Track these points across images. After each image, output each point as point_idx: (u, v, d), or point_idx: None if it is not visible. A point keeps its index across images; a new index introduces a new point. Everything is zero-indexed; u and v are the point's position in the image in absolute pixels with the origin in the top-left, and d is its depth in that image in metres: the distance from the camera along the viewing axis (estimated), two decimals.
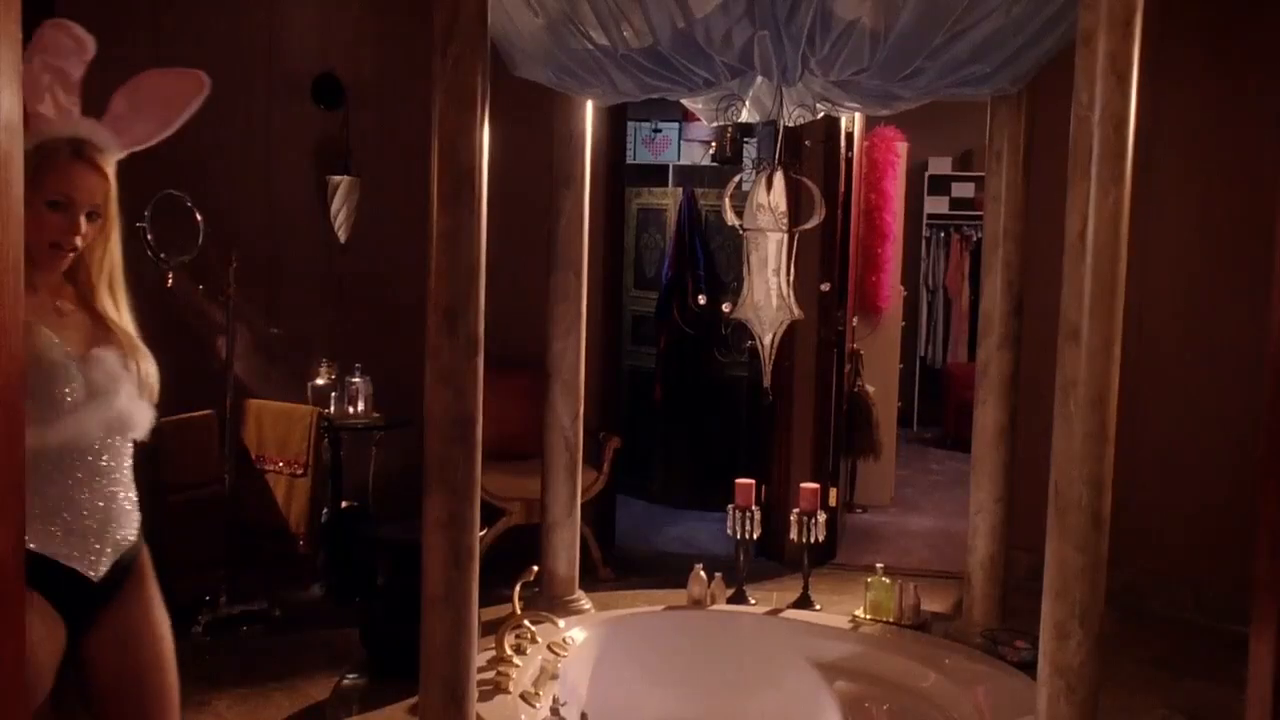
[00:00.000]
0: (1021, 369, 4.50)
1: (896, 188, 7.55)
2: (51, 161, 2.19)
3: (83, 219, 2.23)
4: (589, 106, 4.49)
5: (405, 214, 5.68)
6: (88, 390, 2.20)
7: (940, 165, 9.99)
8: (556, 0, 3.49)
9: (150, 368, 2.32)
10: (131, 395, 2.27)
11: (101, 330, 2.28)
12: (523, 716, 3.60)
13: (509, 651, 3.95)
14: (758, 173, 4.17)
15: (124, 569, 2.33)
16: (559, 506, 4.63)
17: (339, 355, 5.49)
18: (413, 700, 3.72)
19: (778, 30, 3.26)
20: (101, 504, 2.26)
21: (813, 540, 4.74)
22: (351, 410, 5.39)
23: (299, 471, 4.98)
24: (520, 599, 4.21)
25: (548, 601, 4.58)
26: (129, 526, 2.33)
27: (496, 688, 3.76)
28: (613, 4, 3.48)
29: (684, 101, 4.19)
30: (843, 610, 4.78)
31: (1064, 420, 3.09)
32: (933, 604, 4.99)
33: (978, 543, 4.49)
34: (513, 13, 3.53)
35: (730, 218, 4.08)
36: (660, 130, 9.85)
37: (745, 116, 4.08)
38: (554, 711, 3.40)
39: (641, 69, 3.55)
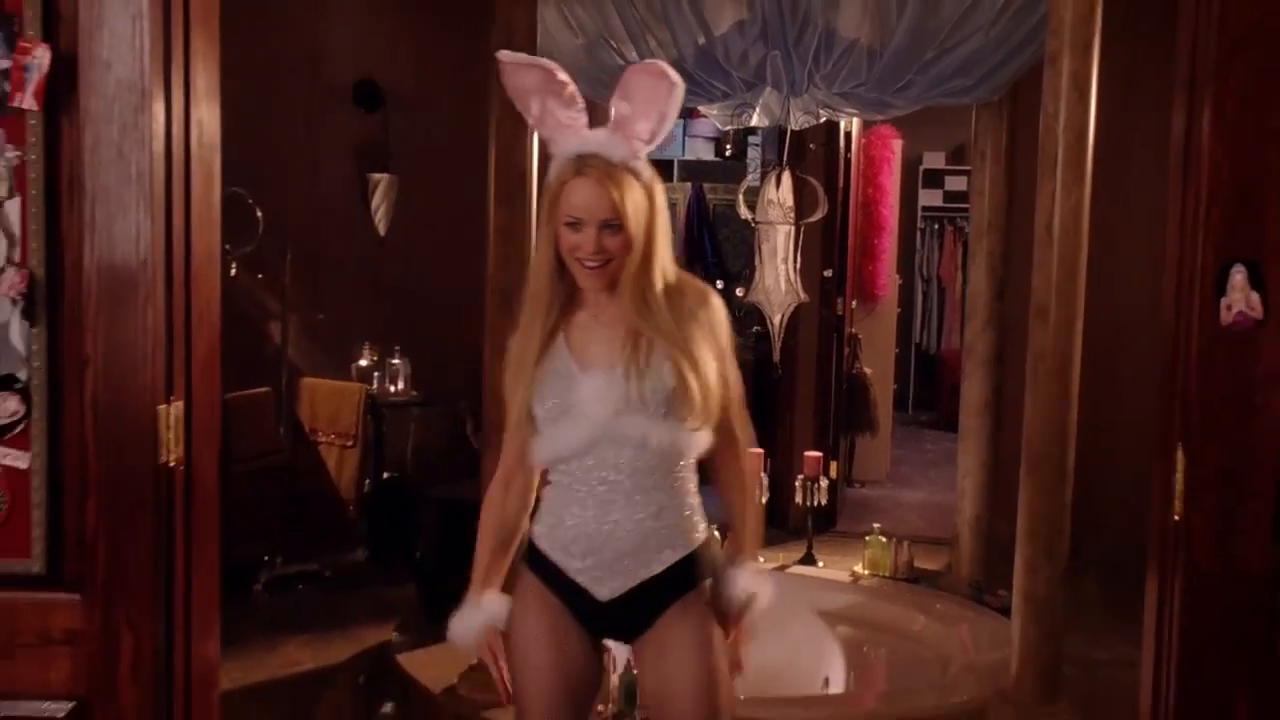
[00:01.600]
0: (1009, 350, 4.99)
1: (892, 182, 8.04)
2: (561, 182, 2.13)
3: (596, 233, 2.09)
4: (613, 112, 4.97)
5: (439, 208, 6.19)
6: (566, 405, 2.13)
7: (934, 160, 10.44)
8: (593, 21, 3.99)
9: (649, 383, 2.12)
10: (621, 410, 2.12)
11: (626, 346, 2.14)
12: None
13: None
14: (767, 172, 4.67)
15: (656, 594, 2.18)
16: None
17: (379, 339, 5.99)
18: None
19: (787, 50, 3.75)
20: (599, 522, 2.14)
21: (816, 503, 5.24)
22: (392, 389, 5.88)
23: (349, 443, 5.48)
24: None
25: None
26: (650, 555, 2.17)
27: None
28: (641, 23, 3.98)
29: (701, 108, 4.68)
30: (843, 567, 5.29)
31: (1034, 387, 3.59)
32: (924, 565, 5.49)
33: (965, 504, 5.00)
34: (556, 34, 4.03)
35: (744, 212, 4.58)
36: None
37: (755, 121, 4.57)
38: None
39: None
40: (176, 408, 2.05)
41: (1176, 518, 1.81)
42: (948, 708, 3.82)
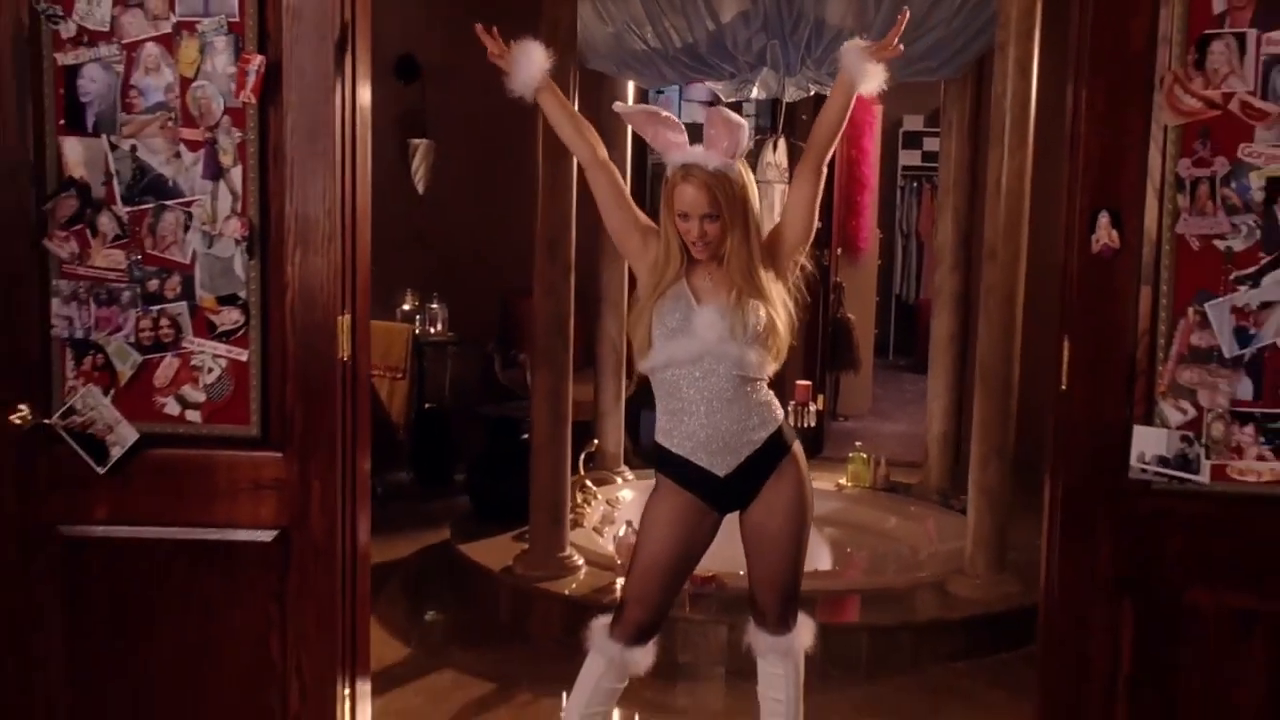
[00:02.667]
0: (973, 290, 5.76)
1: (873, 144, 8.79)
2: (672, 185, 2.85)
3: (699, 223, 2.81)
4: (630, 86, 5.73)
5: (472, 170, 6.93)
6: (684, 326, 2.83)
7: (913, 123, 11.15)
8: (620, 12, 4.73)
9: (750, 319, 2.82)
10: (724, 338, 2.82)
11: (725, 293, 2.85)
12: (599, 539, 4.93)
13: (580, 501, 5.25)
14: (763, 139, 5.43)
15: (762, 465, 2.91)
16: (608, 398, 5.91)
17: (420, 286, 6.74)
18: (514, 532, 5.01)
19: (784, 39, 4.50)
20: (708, 417, 2.86)
21: (805, 425, 6.03)
22: (432, 330, 6.65)
23: (399, 376, 6.25)
24: (584, 466, 5.50)
25: (600, 473, 5.87)
26: (747, 436, 2.88)
27: (575, 523, 5.05)
28: (659, 12, 4.73)
29: (708, 83, 5.44)
30: (829, 481, 6.09)
31: (985, 314, 4.38)
32: (900, 479, 6.29)
33: (933, 423, 5.81)
34: (590, 24, 4.77)
35: None
36: (663, 92, 11.03)
37: (755, 94, 5.33)
38: (630, 524, 4.69)
39: (685, 64, 4.80)
40: (346, 319, 2.82)
41: (1063, 386, 2.60)
42: (915, 580, 4.64)
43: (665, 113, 2.96)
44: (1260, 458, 2.47)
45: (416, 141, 6.81)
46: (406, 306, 6.67)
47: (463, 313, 6.76)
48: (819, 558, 5.41)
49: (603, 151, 3.03)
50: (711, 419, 2.88)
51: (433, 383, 6.81)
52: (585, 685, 3.06)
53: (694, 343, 2.84)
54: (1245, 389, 2.47)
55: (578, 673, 3.09)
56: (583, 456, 5.47)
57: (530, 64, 2.95)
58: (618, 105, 3.05)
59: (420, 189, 6.88)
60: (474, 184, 6.86)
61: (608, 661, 3.02)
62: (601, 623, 3.05)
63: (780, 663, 3.06)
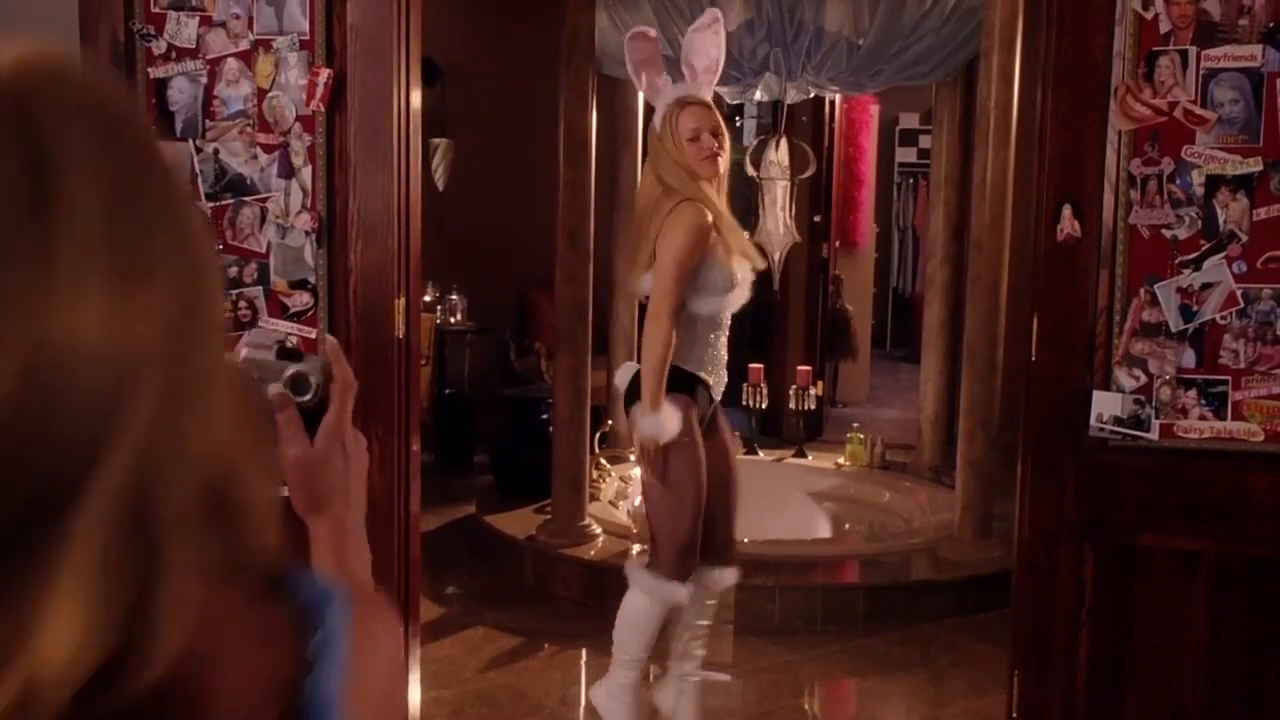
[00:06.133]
0: (963, 280, 6.14)
1: (870, 142, 9.16)
2: (674, 118, 3.26)
3: (711, 135, 3.25)
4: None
5: (489, 167, 7.30)
6: (732, 283, 3.32)
7: (909, 120, 11.50)
8: (633, 18, 5.10)
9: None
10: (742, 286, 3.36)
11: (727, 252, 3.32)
12: (615, 511, 5.30)
13: (595, 477, 5.63)
14: (766, 138, 5.80)
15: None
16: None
17: (441, 277, 7.12)
18: (535, 505, 5.39)
19: (786, 46, 4.88)
20: (720, 353, 3.42)
21: (806, 408, 6.41)
22: (452, 319, 7.03)
23: (423, 362, 6.62)
24: (598, 446, 5.88)
25: (613, 452, 6.25)
26: (721, 375, 3.44)
27: (591, 497, 5.43)
28: (669, 19, 5.10)
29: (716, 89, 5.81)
30: (829, 461, 6.47)
31: (972, 301, 4.75)
32: (895, 459, 6.67)
33: (926, 404, 6.19)
34: (606, 31, 5.13)
35: (750, 170, 5.71)
36: None
37: (758, 97, 5.71)
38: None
39: None
40: (401, 302, 3.18)
41: (1033, 357, 2.97)
42: (909, 545, 5.02)
43: (650, 33, 3.56)
44: (1202, 417, 2.84)
45: (437, 141, 7.17)
46: (428, 297, 7.03)
47: (480, 304, 7.13)
48: (819, 528, 5.80)
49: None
50: (719, 355, 3.42)
51: (452, 369, 7.18)
52: (646, 630, 3.38)
53: (738, 295, 3.35)
54: (1189, 359, 2.84)
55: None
56: (597, 436, 5.84)
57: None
58: (638, 29, 3.60)
59: (440, 186, 7.24)
60: (490, 181, 7.23)
61: (665, 601, 3.38)
62: (665, 579, 3.34)
63: (714, 595, 3.54)
